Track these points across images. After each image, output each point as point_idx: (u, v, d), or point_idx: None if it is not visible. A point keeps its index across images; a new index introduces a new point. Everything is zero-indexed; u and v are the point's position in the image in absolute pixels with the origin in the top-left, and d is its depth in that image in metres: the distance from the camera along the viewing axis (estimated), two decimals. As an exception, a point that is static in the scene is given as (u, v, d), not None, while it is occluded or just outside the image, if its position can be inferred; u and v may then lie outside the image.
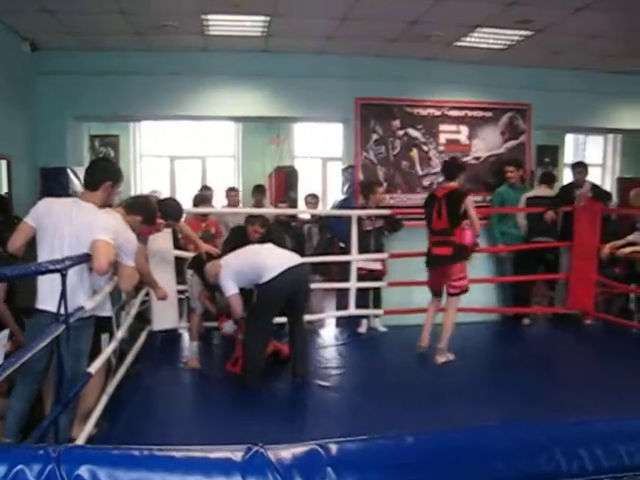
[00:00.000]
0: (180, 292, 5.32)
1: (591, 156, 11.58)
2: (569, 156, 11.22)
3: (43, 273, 2.59)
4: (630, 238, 5.84)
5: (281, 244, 5.09)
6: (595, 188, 6.63)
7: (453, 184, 5.03)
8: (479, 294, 6.52)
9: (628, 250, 5.77)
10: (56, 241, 3.08)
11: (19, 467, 0.72)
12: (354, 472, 0.78)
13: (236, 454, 0.78)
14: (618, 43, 6.08)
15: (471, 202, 4.97)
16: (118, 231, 3.23)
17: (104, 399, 3.61)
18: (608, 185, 11.01)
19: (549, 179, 6.82)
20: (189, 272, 4.96)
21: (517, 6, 5.03)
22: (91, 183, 3.30)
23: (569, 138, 11.11)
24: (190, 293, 4.99)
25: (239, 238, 5.27)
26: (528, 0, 4.89)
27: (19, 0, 4.78)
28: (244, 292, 4.52)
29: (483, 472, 0.88)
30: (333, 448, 0.80)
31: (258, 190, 7.20)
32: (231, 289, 4.42)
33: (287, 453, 0.80)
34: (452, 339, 5.20)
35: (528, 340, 6.01)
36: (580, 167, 6.64)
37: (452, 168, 5.16)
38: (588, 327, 6.46)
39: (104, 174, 3.34)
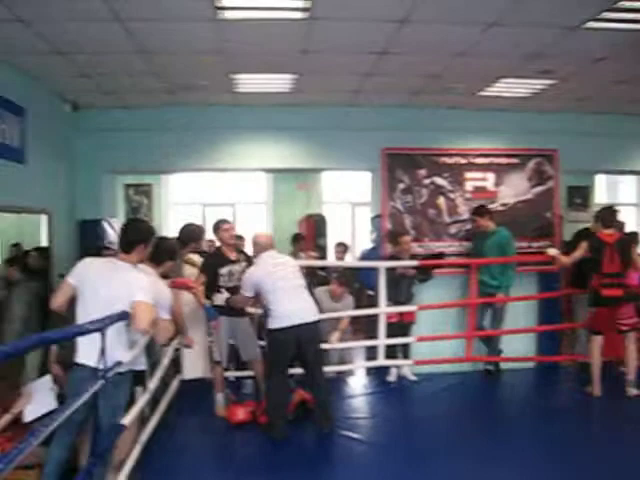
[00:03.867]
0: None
1: (624, 196, 11.40)
2: (602, 196, 11.05)
3: (84, 334, 2.73)
4: None
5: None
6: None
7: (615, 231, 5.42)
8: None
9: None
10: (93, 301, 3.23)
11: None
12: None
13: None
14: (640, 88, 6.13)
15: (635, 248, 5.55)
16: (154, 288, 3.38)
17: (137, 449, 3.70)
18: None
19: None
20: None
21: (537, 59, 5.13)
22: (125, 246, 3.44)
23: (601, 178, 10.94)
24: (214, 343, 4.94)
25: None
26: (547, 53, 4.98)
27: (61, 67, 5.10)
28: None
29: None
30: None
31: (298, 238, 7.31)
32: (247, 292, 4.62)
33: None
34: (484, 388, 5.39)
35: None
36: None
37: (613, 216, 5.53)
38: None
39: (137, 237, 3.46)
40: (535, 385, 6.27)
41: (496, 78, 5.79)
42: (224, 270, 4.91)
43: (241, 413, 4.75)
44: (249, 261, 5.02)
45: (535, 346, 6.81)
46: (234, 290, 4.85)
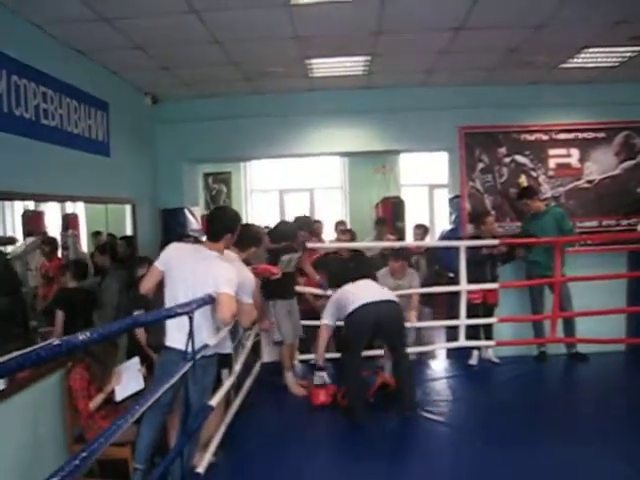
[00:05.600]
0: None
1: None
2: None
3: (173, 317, 2.84)
4: None
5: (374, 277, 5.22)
6: None
7: None
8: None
9: None
10: (181, 287, 3.34)
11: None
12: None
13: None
14: None
15: None
16: (239, 275, 3.47)
17: (222, 429, 3.83)
18: None
19: None
20: (270, 303, 5.12)
21: (625, 24, 4.84)
22: (213, 235, 3.53)
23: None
24: (275, 324, 5.14)
25: (331, 262, 5.66)
26: (636, 17, 4.70)
27: (141, 61, 5.25)
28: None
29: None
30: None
31: (381, 223, 7.32)
32: (325, 319, 4.75)
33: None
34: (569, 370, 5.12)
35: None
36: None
37: None
38: None
39: (224, 226, 3.55)
40: (623, 370, 5.98)
41: (579, 49, 5.51)
42: (285, 257, 5.12)
43: (322, 395, 4.80)
44: (304, 250, 5.42)
45: (625, 328, 6.50)
46: (288, 275, 5.07)
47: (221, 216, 3.74)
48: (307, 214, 5.58)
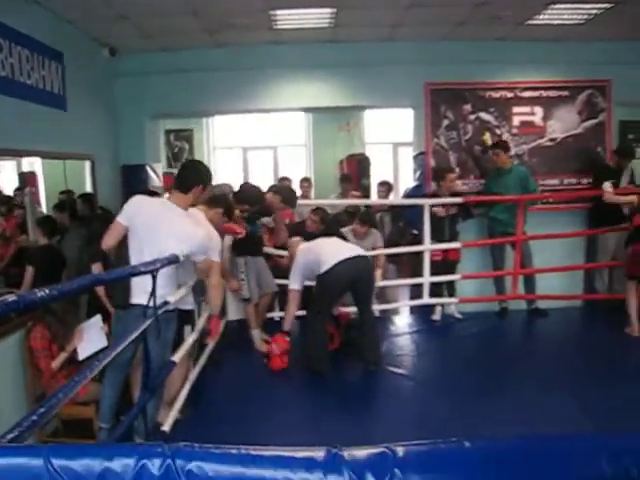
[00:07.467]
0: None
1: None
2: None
3: (136, 275, 2.78)
4: None
5: (343, 237, 5.21)
6: None
7: None
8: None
9: None
10: (147, 242, 3.26)
11: (143, 461, 0.87)
12: (419, 474, 0.87)
13: (318, 454, 0.88)
14: None
15: None
16: (207, 235, 3.49)
17: (187, 386, 3.82)
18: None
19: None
20: (242, 260, 5.10)
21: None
22: (183, 186, 3.45)
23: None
24: (245, 282, 5.11)
25: (297, 232, 5.49)
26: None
27: (98, 9, 5.00)
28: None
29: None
30: (401, 451, 0.90)
31: (346, 180, 7.25)
32: (294, 284, 4.68)
33: (361, 454, 0.90)
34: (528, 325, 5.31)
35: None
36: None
37: None
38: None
39: (197, 178, 3.48)
40: (579, 324, 6.19)
41: (546, 4, 5.47)
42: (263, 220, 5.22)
43: (278, 361, 4.73)
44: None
45: (582, 285, 6.66)
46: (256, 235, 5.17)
47: (195, 166, 3.70)
48: (292, 188, 5.46)
